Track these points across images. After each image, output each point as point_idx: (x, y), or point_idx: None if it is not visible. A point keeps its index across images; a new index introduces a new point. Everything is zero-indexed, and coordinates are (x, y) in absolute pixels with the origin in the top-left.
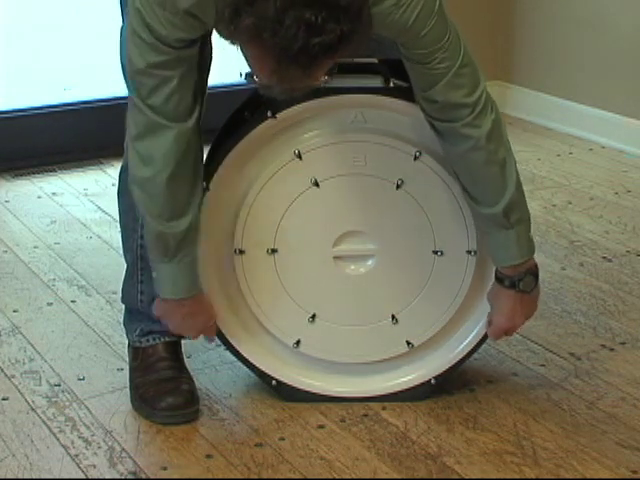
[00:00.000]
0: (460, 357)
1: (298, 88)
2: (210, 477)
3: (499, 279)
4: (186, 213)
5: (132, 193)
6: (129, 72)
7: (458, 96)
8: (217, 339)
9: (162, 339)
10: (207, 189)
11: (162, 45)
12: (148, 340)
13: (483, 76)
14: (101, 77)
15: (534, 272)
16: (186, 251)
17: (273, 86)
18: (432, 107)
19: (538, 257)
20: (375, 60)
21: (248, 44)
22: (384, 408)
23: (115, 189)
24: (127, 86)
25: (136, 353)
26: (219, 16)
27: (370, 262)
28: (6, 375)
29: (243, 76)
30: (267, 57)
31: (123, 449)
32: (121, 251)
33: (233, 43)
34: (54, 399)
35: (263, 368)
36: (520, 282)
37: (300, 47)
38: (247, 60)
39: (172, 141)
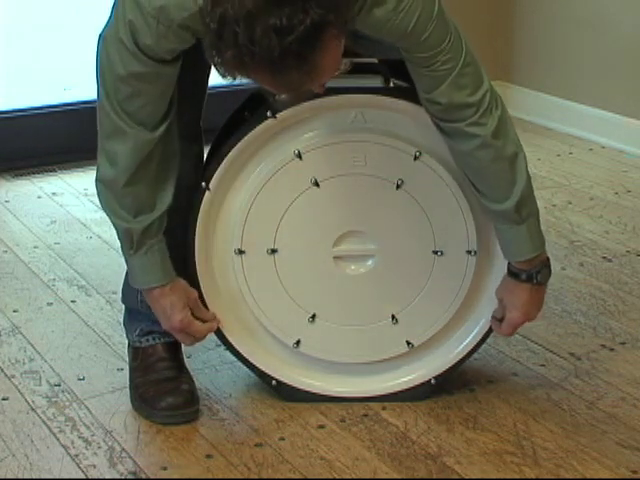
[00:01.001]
0: (460, 357)
1: (310, 88)
2: (210, 477)
3: (514, 274)
4: (150, 211)
5: (96, 188)
6: (109, 76)
7: (462, 96)
8: (219, 341)
9: (162, 339)
10: (207, 189)
11: (146, 58)
12: (148, 340)
13: (486, 73)
14: None
15: (548, 264)
16: (150, 242)
17: (289, 97)
18: (436, 108)
19: None
20: (375, 60)
21: (241, 75)
22: (384, 408)
23: None
24: (102, 88)
25: (136, 353)
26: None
27: (370, 262)
28: (6, 375)
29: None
30: (262, 76)
31: (123, 449)
32: (121, 251)
33: (234, 77)
34: (54, 399)
35: (263, 368)
36: (538, 275)
37: (280, 53)
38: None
39: (135, 148)
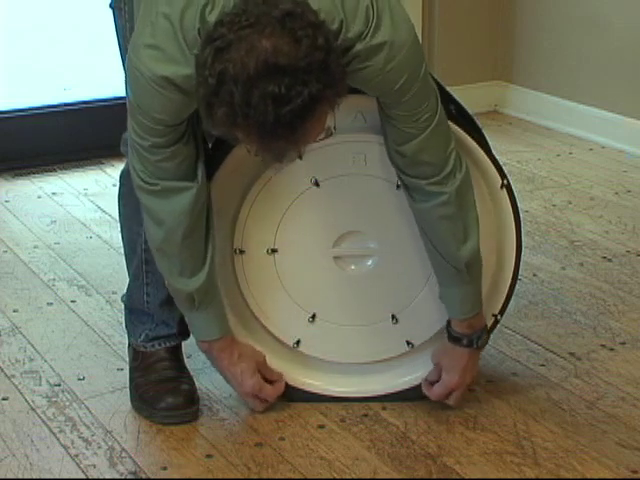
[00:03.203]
0: None
1: (293, 154)
2: (210, 477)
3: (456, 339)
4: (204, 265)
5: (155, 259)
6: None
7: (428, 155)
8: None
9: (166, 344)
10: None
11: (163, 128)
12: (154, 346)
13: (453, 135)
14: (101, 77)
15: (487, 329)
16: (210, 298)
17: (270, 159)
18: (402, 160)
19: (538, 257)
20: None
21: (229, 131)
22: (384, 408)
23: (115, 189)
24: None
25: (136, 353)
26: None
27: (370, 262)
28: (6, 375)
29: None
30: (250, 137)
31: (123, 449)
32: (121, 251)
33: (220, 133)
34: (54, 399)
35: None
36: (479, 340)
37: (273, 120)
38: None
39: (189, 200)
